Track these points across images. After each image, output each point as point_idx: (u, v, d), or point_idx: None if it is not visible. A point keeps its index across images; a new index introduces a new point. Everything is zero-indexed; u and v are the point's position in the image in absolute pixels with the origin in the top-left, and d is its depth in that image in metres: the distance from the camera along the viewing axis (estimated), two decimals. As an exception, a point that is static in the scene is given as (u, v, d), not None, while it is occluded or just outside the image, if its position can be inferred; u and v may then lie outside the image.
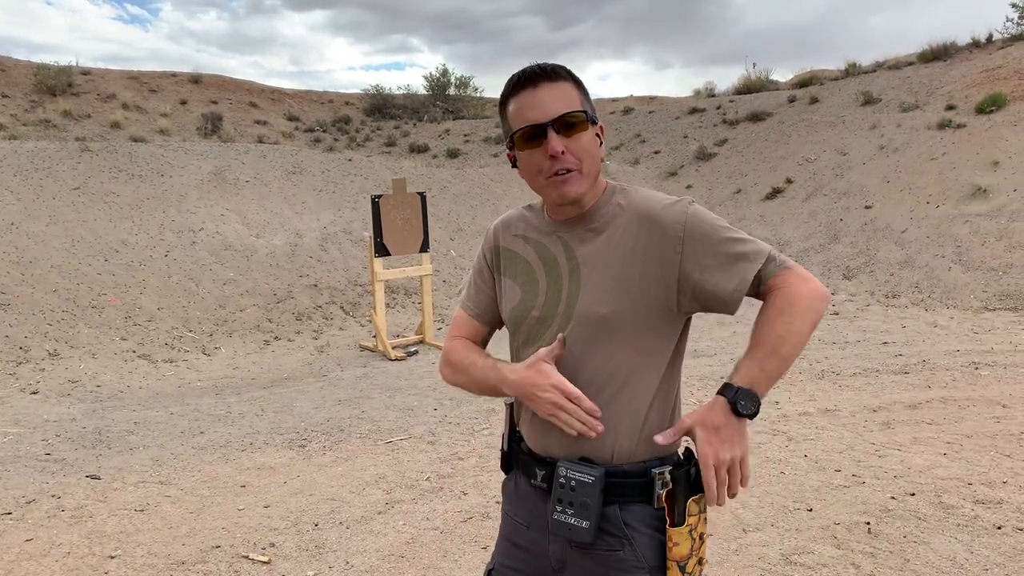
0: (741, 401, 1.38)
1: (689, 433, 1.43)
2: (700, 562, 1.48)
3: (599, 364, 1.45)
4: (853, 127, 14.22)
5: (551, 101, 1.41)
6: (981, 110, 12.60)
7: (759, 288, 1.44)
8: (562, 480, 1.45)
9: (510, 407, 1.65)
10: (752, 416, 1.39)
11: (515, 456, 1.62)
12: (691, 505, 1.44)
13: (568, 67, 1.47)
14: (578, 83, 1.47)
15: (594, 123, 1.46)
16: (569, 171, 1.42)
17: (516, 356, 1.58)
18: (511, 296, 1.58)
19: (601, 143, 1.50)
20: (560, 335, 1.46)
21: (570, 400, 1.41)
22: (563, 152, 1.41)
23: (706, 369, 6.31)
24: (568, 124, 1.41)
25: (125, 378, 7.10)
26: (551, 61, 1.47)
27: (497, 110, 1.61)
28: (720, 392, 1.41)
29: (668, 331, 1.47)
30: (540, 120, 1.41)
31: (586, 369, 1.46)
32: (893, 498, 3.77)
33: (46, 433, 5.25)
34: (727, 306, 1.43)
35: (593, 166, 1.46)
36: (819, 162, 13.55)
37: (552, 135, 1.40)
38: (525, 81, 1.43)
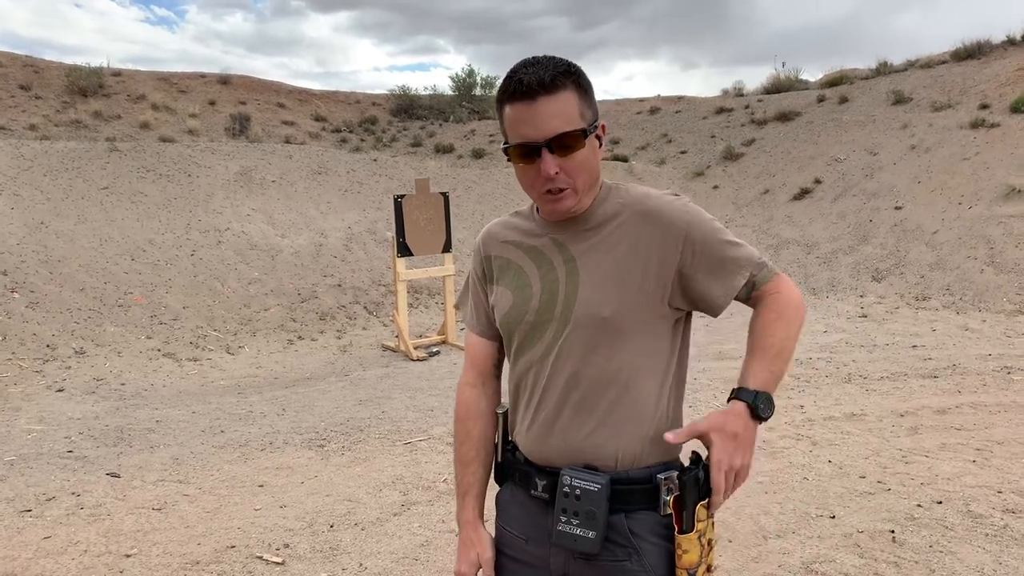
0: (760, 404, 1.36)
1: (703, 437, 1.36)
2: (709, 569, 1.43)
3: (600, 367, 1.41)
4: (884, 127, 13.99)
5: (548, 118, 1.34)
6: (1016, 109, 12.32)
7: (751, 293, 1.45)
8: (566, 489, 1.40)
9: (503, 415, 1.61)
10: (767, 419, 1.37)
11: (510, 467, 1.57)
12: (700, 510, 1.39)
13: (572, 62, 1.38)
14: (580, 85, 1.38)
15: (594, 129, 1.40)
16: (562, 190, 1.39)
17: (512, 362, 1.55)
18: (503, 303, 1.53)
19: (601, 144, 1.45)
20: None
21: None
22: (557, 173, 1.36)
23: (731, 372, 6.22)
24: (564, 145, 1.36)
25: (149, 376, 7.16)
26: (558, 56, 1.38)
27: None
28: (737, 396, 1.37)
29: (667, 331, 1.44)
30: (535, 139, 1.35)
31: (587, 372, 1.41)
32: (919, 506, 3.68)
33: (69, 431, 5.30)
34: (713, 309, 1.46)
35: (589, 179, 1.41)
36: (849, 162, 13.36)
37: (547, 156, 1.35)
38: (522, 94, 1.35)
